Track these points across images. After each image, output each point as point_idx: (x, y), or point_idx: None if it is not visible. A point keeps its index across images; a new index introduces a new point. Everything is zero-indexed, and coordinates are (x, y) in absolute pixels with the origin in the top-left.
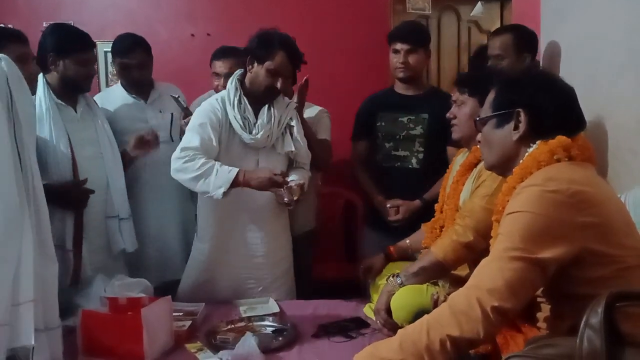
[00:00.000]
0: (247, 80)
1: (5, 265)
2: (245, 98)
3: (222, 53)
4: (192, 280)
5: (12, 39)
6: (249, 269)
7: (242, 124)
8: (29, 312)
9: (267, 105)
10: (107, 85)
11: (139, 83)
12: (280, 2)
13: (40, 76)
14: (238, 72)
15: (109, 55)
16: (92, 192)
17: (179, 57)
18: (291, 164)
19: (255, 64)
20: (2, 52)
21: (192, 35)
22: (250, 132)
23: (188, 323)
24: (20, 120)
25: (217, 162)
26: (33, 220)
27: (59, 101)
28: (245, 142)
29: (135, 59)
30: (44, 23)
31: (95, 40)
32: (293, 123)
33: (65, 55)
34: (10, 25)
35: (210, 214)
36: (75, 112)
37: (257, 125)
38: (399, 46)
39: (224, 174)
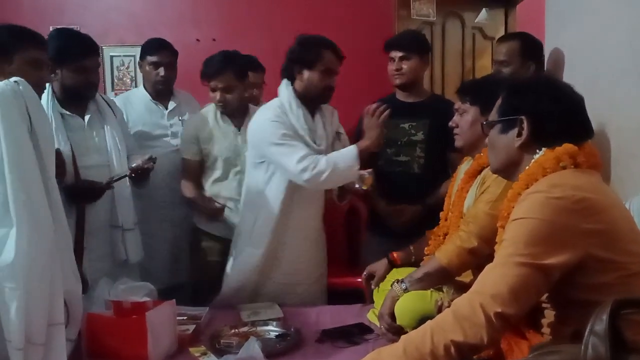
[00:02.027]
0: (298, 89)
1: (41, 287)
2: (304, 107)
3: (251, 65)
4: (239, 284)
5: (30, 41)
6: (291, 275)
7: (307, 133)
8: (60, 333)
9: (316, 115)
10: (113, 89)
11: (165, 83)
12: (284, 9)
13: (48, 84)
14: (287, 82)
15: (115, 60)
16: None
17: (183, 62)
18: None
19: (306, 71)
20: (17, 54)
21: (198, 40)
22: (314, 142)
23: (192, 327)
24: (40, 145)
25: (331, 153)
26: (61, 243)
27: (64, 111)
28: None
29: (164, 58)
30: (50, 27)
31: (100, 44)
32: (341, 130)
33: (63, 63)
34: None
35: (270, 221)
36: (83, 119)
37: (318, 135)
38: (393, 54)
39: (346, 155)
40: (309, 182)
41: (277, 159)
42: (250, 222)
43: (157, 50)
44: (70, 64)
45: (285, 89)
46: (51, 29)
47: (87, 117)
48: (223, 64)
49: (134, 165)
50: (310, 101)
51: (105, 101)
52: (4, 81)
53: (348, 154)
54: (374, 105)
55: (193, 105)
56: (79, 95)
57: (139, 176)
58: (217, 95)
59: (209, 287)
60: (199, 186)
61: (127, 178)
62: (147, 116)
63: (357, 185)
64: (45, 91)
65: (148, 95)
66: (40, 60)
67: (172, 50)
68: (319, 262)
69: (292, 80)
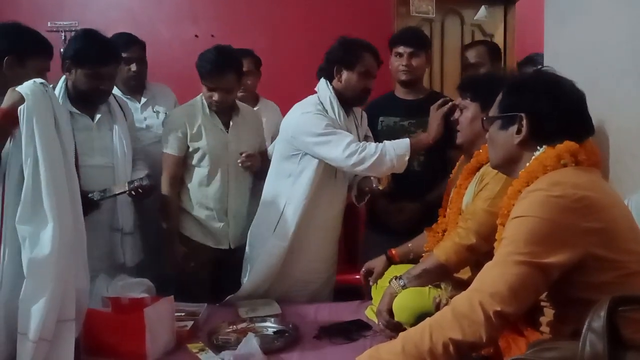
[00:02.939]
0: (337, 89)
1: (60, 284)
2: (342, 107)
3: (241, 53)
4: (264, 277)
5: (44, 51)
6: (307, 273)
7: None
8: (70, 330)
9: (350, 116)
10: None
11: (138, 78)
12: (283, 5)
13: (61, 80)
14: (326, 81)
15: None
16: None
17: (182, 58)
18: None
19: (345, 72)
20: (31, 59)
21: (196, 36)
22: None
23: (190, 323)
24: (65, 143)
25: (380, 143)
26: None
27: (74, 109)
28: None
29: (135, 53)
30: (49, 23)
31: None
32: (369, 133)
33: (78, 65)
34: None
35: (296, 215)
36: (92, 120)
37: (351, 131)
38: (401, 49)
39: (399, 144)
40: (355, 165)
41: (319, 149)
42: (275, 214)
43: (127, 45)
44: (85, 69)
45: (325, 87)
46: (49, 24)
47: (96, 117)
48: (225, 64)
49: (131, 186)
50: (346, 102)
51: (118, 103)
52: (31, 82)
53: (400, 142)
54: (441, 101)
55: (168, 96)
56: (88, 100)
57: (139, 195)
58: (216, 95)
59: (192, 288)
60: (179, 184)
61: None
62: None
63: (374, 185)
64: (58, 87)
65: (119, 91)
66: (46, 69)
67: (142, 44)
68: (333, 262)
69: (329, 80)
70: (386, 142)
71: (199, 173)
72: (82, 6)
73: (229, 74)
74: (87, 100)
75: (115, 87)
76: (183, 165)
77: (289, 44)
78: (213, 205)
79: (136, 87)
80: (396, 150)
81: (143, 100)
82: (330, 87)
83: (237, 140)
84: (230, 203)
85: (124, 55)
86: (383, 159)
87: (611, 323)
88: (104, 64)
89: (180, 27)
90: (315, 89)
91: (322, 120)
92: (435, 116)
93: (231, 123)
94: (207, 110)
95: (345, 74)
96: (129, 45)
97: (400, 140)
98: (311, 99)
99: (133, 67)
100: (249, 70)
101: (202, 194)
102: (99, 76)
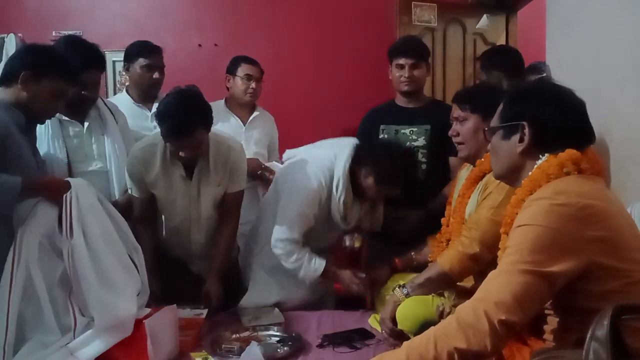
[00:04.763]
0: (354, 179)
1: None
2: (352, 194)
3: (249, 59)
4: (268, 288)
5: (61, 72)
6: (309, 290)
7: (342, 215)
8: None
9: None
10: (115, 93)
11: (159, 85)
12: (286, 14)
13: None
14: (347, 167)
15: (117, 65)
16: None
17: (186, 67)
18: None
19: (371, 178)
20: (46, 78)
21: (200, 45)
22: (346, 219)
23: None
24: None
25: (305, 256)
26: None
27: (62, 116)
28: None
29: (158, 61)
30: (54, 32)
31: (103, 50)
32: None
33: None
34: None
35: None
36: (83, 125)
37: (353, 212)
38: (402, 61)
39: (314, 269)
40: (278, 256)
41: (280, 212)
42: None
43: (151, 53)
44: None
45: (342, 167)
46: (54, 33)
47: (86, 124)
48: (192, 122)
49: None
50: (358, 194)
51: (108, 107)
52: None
53: (317, 268)
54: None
55: None
56: (72, 107)
57: None
58: (183, 152)
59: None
60: (155, 223)
61: None
62: (131, 120)
63: (349, 242)
64: None
65: (130, 98)
66: (62, 93)
67: (161, 53)
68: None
69: (356, 167)
70: (305, 260)
71: (161, 216)
72: (87, 16)
73: (197, 131)
74: (70, 106)
75: (126, 94)
76: (152, 202)
77: (291, 53)
78: (176, 250)
79: (150, 96)
80: (308, 273)
81: (154, 108)
82: (347, 176)
83: (202, 188)
84: (193, 249)
85: (147, 62)
86: (298, 272)
87: (615, 332)
88: (85, 70)
89: (186, 37)
90: (336, 158)
91: (301, 204)
92: (350, 283)
93: (196, 170)
94: (168, 156)
95: (370, 181)
96: (153, 52)
97: (319, 264)
98: (326, 164)
99: (156, 74)
100: (259, 77)
101: (165, 235)
102: (82, 83)
